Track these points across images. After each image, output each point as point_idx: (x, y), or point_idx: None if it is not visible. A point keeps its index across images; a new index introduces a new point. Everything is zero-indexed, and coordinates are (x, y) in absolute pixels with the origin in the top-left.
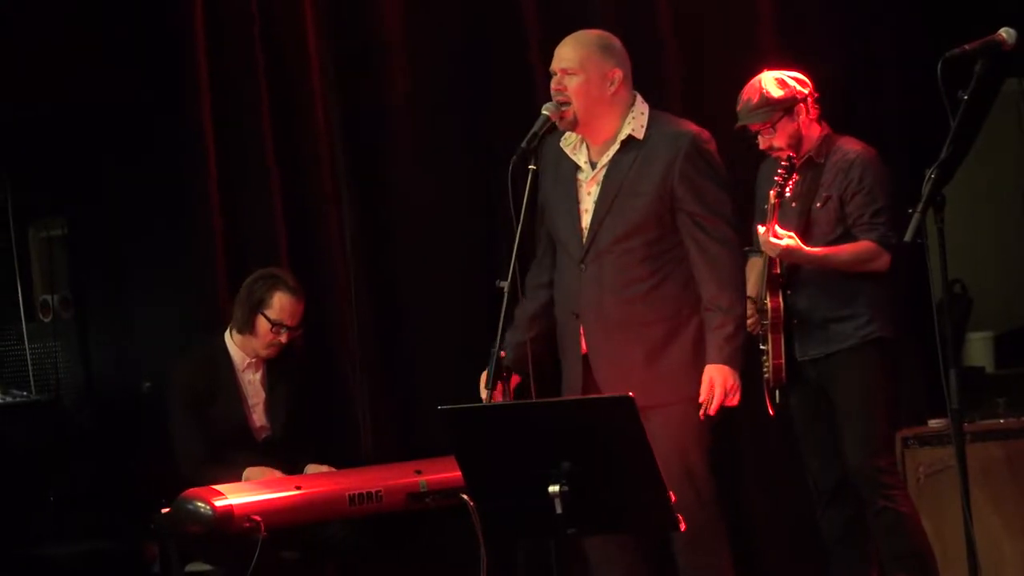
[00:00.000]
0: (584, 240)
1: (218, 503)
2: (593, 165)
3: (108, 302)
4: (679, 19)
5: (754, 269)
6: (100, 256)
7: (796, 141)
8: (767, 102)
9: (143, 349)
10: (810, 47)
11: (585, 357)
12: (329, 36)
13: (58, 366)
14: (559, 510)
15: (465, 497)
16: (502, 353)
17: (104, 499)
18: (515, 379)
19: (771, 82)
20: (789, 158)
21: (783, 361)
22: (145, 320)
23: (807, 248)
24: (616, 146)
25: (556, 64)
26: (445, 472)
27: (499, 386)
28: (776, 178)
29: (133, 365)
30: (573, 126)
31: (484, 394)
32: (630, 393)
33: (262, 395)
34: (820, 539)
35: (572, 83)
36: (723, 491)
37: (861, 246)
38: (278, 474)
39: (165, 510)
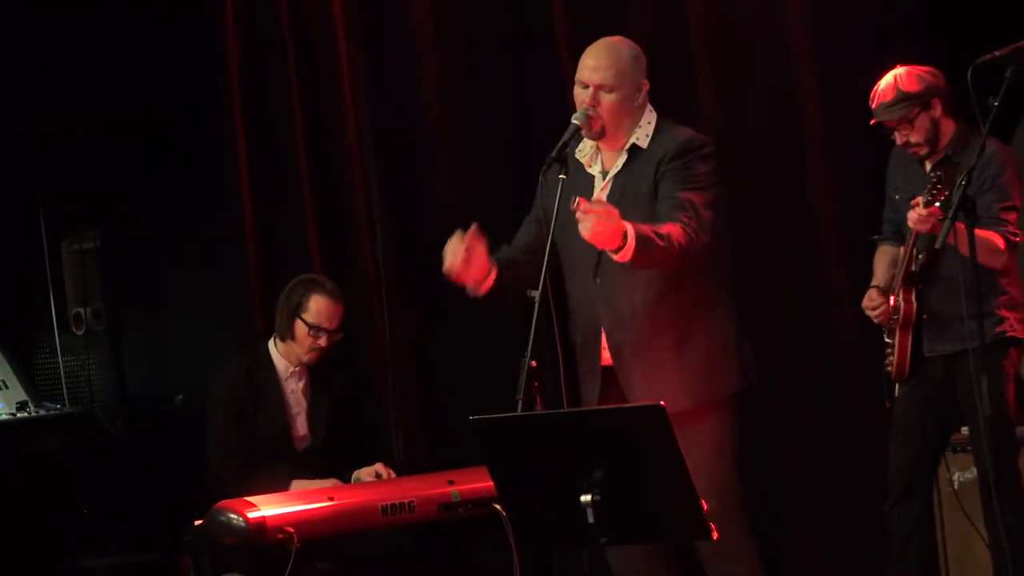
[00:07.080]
0: (597, 252)
1: (251, 515)
2: (605, 175)
3: (141, 314)
4: (711, 30)
5: (883, 257)
6: (133, 268)
7: (933, 136)
8: (904, 97)
9: (176, 361)
10: (844, 56)
11: (605, 369)
12: (360, 48)
13: (91, 378)
14: (591, 519)
15: (498, 507)
16: (532, 363)
17: (138, 511)
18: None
19: (906, 77)
20: (939, 176)
21: (908, 358)
22: (178, 332)
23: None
24: (624, 156)
25: (589, 77)
26: (477, 482)
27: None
28: (930, 197)
29: (166, 377)
30: (600, 137)
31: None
32: (662, 402)
33: (304, 404)
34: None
35: (608, 99)
36: (757, 499)
37: (990, 234)
38: (327, 483)
39: (198, 522)
